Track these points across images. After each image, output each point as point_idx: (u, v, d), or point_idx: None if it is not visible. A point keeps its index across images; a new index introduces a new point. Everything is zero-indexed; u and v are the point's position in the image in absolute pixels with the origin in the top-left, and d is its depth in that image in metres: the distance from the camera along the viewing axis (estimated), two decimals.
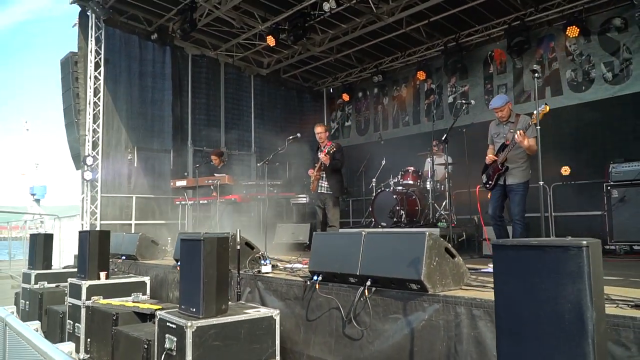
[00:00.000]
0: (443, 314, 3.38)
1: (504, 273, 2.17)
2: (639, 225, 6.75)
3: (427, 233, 3.54)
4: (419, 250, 3.52)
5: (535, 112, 5.02)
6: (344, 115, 13.86)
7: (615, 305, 2.88)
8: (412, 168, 8.47)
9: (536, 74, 4.52)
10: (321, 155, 7.04)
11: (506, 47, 9.81)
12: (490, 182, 5.89)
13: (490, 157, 5.91)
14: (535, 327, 2.03)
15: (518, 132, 5.40)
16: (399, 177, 8.50)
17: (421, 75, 11.29)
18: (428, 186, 8.21)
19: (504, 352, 2.14)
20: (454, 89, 11.16)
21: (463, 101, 6.77)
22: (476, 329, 3.16)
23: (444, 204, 8.20)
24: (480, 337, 3.13)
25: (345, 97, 13.26)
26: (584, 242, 1.95)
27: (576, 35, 8.93)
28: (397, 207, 7.97)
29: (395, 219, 7.98)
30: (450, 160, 8.66)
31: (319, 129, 7.42)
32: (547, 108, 5.09)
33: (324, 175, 7.19)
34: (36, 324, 4.24)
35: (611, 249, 7.05)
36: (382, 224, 8.15)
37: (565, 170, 8.84)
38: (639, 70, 8.38)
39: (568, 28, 8.93)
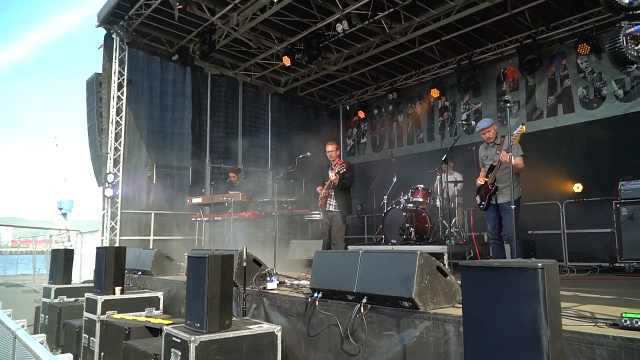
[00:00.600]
0: (433, 331, 3.52)
1: (471, 292, 2.33)
2: None
3: (419, 252, 3.69)
4: (410, 269, 3.67)
5: (515, 132, 5.26)
6: (360, 132, 14.06)
7: (593, 324, 2.99)
8: (421, 185, 8.57)
9: (508, 104, 4.75)
10: (331, 174, 7.22)
11: (518, 64, 9.90)
12: (483, 203, 6.16)
13: (481, 179, 6.17)
14: (497, 343, 2.18)
15: (502, 152, 5.63)
16: (410, 194, 8.61)
17: (435, 92, 11.44)
18: (438, 203, 8.30)
19: None
20: (467, 106, 11.27)
21: (463, 122, 6.94)
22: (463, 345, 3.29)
23: (453, 221, 8.29)
24: None
25: (361, 114, 13.48)
26: (539, 264, 2.09)
27: (587, 52, 9.01)
28: (407, 224, 8.06)
29: (405, 236, 8.07)
30: (460, 178, 8.81)
31: (329, 147, 7.59)
32: (524, 128, 5.37)
33: (333, 193, 7.32)
34: (42, 336, 4.48)
35: (621, 266, 7.06)
36: (392, 240, 8.25)
37: (578, 188, 8.87)
38: None
39: (579, 46, 9.02)
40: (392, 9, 8.89)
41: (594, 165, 8.82)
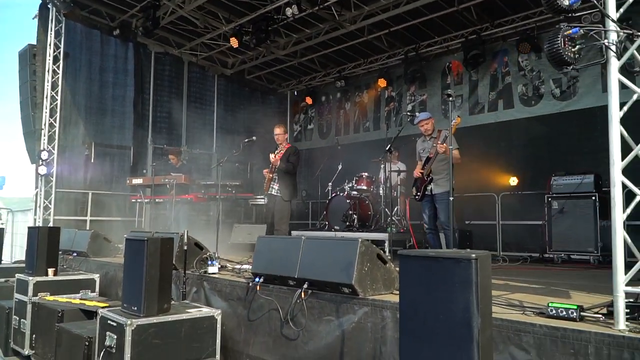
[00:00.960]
0: (371, 317, 3.61)
1: (407, 280, 2.40)
2: (576, 236, 7.17)
3: (360, 240, 3.76)
4: (351, 256, 3.73)
5: (451, 123, 5.45)
6: (307, 118, 14.07)
7: (522, 312, 3.16)
8: (366, 174, 8.73)
9: (450, 98, 4.94)
10: (271, 156, 7.16)
11: (463, 59, 10.19)
12: (418, 194, 6.40)
13: (417, 171, 6.42)
14: (430, 330, 2.26)
15: (439, 144, 5.83)
16: (354, 182, 8.73)
17: (382, 82, 11.59)
18: (381, 192, 8.47)
19: (405, 351, 2.37)
20: (413, 98, 11.49)
21: (408, 113, 7.13)
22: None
23: (395, 209, 8.48)
24: None
25: (309, 100, 13.49)
26: (473, 255, 2.18)
27: (528, 51, 9.38)
28: (350, 212, 8.20)
29: (348, 223, 8.21)
30: (403, 168, 9.00)
31: (277, 130, 7.49)
32: (459, 120, 5.60)
33: (276, 177, 7.25)
34: None
35: (550, 257, 7.46)
36: (336, 227, 8.36)
37: (513, 181, 9.27)
38: (584, 88, 8.84)
39: (520, 44, 9.38)
40: None
41: (530, 160, 9.24)
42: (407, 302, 2.41)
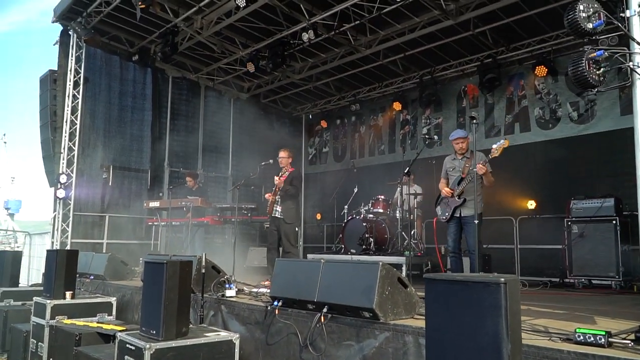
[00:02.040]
0: (392, 342, 3.55)
1: (434, 305, 2.36)
2: (597, 260, 7.04)
3: (381, 263, 3.73)
4: (372, 280, 3.69)
5: (494, 145, 5.34)
6: (322, 141, 14.13)
7: (548, 338, 3.08)
8: (382, 197, 8.70)
9: (474, 121, 4.84)
10: (276, 178, 7.20)
11: (478, 82, 10.20)
12: (447, 214, 6.20)
13: (447, 190, 6.21)
14: (458, 356, 2.22)
15: (478, 165, 5.69)
16: (370, 205, 8.71)
17: (397, 105, 11.64)
18: (397, 215, 8.42)
19: None
20: (428, 121, 11.50)
21: (426, 135, 7.08)
22: (421, 357, 3.33)
23: (412, 232, 8.42)
24: None
25: (324, 123, 13.58)
26: (502, 279, 2.14)
27: (544, 74, 9.36)
28: (367, 235, 8.16)
29: (364, 246, 8.16)
30: (420, 191, 8.96)
31: (281, 154, 7.54)
32: (507, 142, 5.42)
33: (279, 199, 7.28)
34: None
35: (570, 282, 7.32)
36: (352, 250, 8.32)
37: (531, 204, 9.17)
38: (602, 111, 8.78)
39: (537, 67, 9.36)
40: (358, 21, 9.00)
41: (548, 184, 9.14)
42: (433, 327, 2.37)
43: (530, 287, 7.17)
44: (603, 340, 2.80)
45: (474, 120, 4.91)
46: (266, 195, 7.42)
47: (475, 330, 2.18)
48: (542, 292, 6.74)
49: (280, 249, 7.40)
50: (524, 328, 3.34)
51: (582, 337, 2.86)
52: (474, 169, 5.73)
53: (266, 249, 8.04)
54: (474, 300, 2.20)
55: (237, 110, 13.04)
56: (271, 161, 7.44)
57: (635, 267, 6.71)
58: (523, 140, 9.79)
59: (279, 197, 7.24)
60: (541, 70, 9.29)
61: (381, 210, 8.57)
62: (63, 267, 5.90)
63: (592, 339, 2.82)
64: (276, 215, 7.28)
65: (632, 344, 2.83)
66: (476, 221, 4.71)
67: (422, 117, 11.66)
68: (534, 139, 9.65)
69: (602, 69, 2.94)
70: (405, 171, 6.91)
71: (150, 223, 9.85)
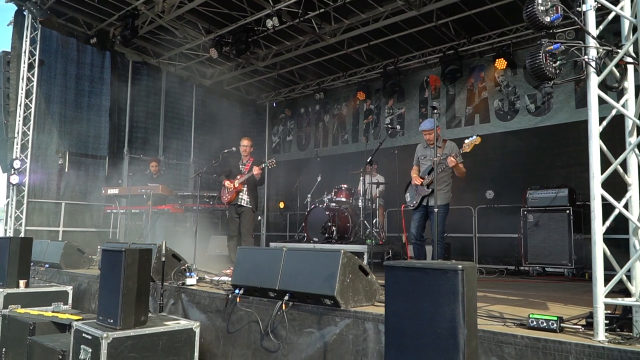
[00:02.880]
0: (353, 329, 3.59)
1: (393, 292, 2.39)
2: (551, 249, 7.30)
3: (342, 251, 3.75)
4: (333, 268, 3.72)
5: (466, 141, 5.41)
6: (286, 130, 14.06)
7: (503, 324, 3.17)
8: (345, 186, 8.74)
9: (435, 111, 4.89)
10: (255, 169, 7.14)
11: (440, 73, 10.34)
12: (414, 202, 6.21)
13: (416, 178, 6.22)
14: (416, 341, 2.26)
15: (449, 158, 5.74)
16: (333, 193, 8.73)
17: (361, 95, 11.71)
18: (360, 204, 8.47)
19: None
20: (391, 111, 11.59)
21: (389, 125, 7.14)
22: (380, 343, 3.38)
23: (374, 221, 8.50)
24: (384, 351, 3.35)
25: (288, 112, 13.54)
26: (460, 266, 2.19)
27: (504, 67, 9.53)
28: (329, 224, 8.18)
29: (327, 235, 8.19)
30: (382, 180, 9.04)
31: (244, 142, 7.52)
32: (479, 139, 5.48)
33: (245, 188, 7.28)
34: None
35: (525, 270, 7.57)
36: (314, 239, 8.33)
37: (489, 194, 9.40)
38: (558, 104, 9.04)
39: (497, 60, 9.53)
40: (323, 10, 8.95)
41: (505, 174, 9.37)
42: (393, 314, 2.40)
43: (487, 274, 7.38)
44: (555, 325, 2.90)
45: (435, 110, 4.95)
46: (225, 183, 7.31)
47: (433, 316, 2.22)
48: (498, 280, 6.94)
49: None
50: (480, 314, 3.43)
51: (535, 323, 2.96)
52: (444, 158, 5.80)
53: (227, 237, 8.03)
54: (432, 286, 2.24)
55: (199, 96, 12.85)
56: (234, 149, 7.37)
57: (587, 255, 6.96)
58: (482, 131, 9.93)
59: (245, 186, 7.24)
60: (501, 63, 9.47)
61: (344, 199, 8.61)
62: (16, 255, 5.72)
63: (544, 324, 2.92)
64: (241, 204, 7.26)
65: (583, 329, 2.95)
66: (436, 209, 4.75)
67: (385, 107, 11.74)
68: (493, 130, 9.86)
69: (558, 62, 3.01)
70: (368, 160, 6.94)
71: (108, 210, 9.59)
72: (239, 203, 7.28)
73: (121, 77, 11.18)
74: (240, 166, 7.43)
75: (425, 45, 10.47)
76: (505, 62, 9.42)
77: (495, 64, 9.54)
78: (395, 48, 10.66)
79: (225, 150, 7.36)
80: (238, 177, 7.28)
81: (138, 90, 11.50)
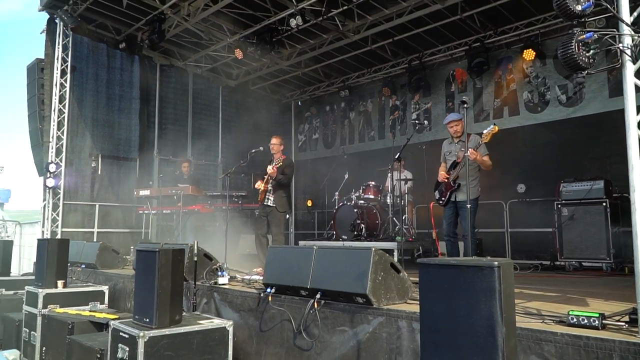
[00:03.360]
0: (386, 327, 3.55)
1: (428, 289, 2.35)
2: (587, 243, 7.05)
3: (373, 249, 3.72)
4: (365, 265, 3.68)
5: (484, 131, 5.28)
6: (312, 128, 14.06)
7: (541, 321, 3.09)
8: (373, 183, 8.69)
9: (465, 105, 4.78)
10: (269, 168, 7.11)
11: (467, 66, 10.18)
12: (443, 199, 6.15)
13: (442, 174, 6.16)
14: (452, 340, 2.21)
15: (469, 150, 5.62)
16: (361, 191, 8.70)
17: (386, 91, 11.64)
18: (388, 201, 8.42)
19: None
20: (417, 106, 11.48)
21: (416, 121, 7.04)
22: (415, 341, 3.33)
23: (403, 218, 8.43)
24: (418, 349, 3.29)
25: (313, 110, 13.56)
26: (496, 262, 2.13)
27: (532, 58, 9.33)
28: (358, 221, 8.16)
29: (355, 232, 8.17)
30: (410, 176, 8.96)
31: (273, 140, 7.45)
32: (496, 128, 5.36)
33: (271, 188, 7.21)
34: (13, 353, 4.28)
35: (561, 265, 7.37)
36: (343, 237, 8.32)
37: (521, 188, 9.21)
38: (591, 93, 8.79)
39: (525, 51, 9.34)
40: (346, 7, 8.90)
41: (537, 167, 9.15)
42: (428, 312, 2.36)
43: (521, 270, 7.21)
44: (597, 322, 2.81)
45: (465, 105, 4.85)
46: (256, 185, 7.33)
47: (469, 314, 2.18)
48: (533, 275, 6.77)
49: (269, 236, 7.35)
50: (517, 311, 3.35)
51: (575, 320, 2.87)
52: (467, 154, 5.70)
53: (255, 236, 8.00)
54: (468, 284, 2.19)
55: (225, 97, 12.95)
56: (261, 148, 7.35)
57: (626, 248, 6.74)
58: (512, 124, 9.80)
59: (271, 186, 7.18)
60: (529, 54, 9.27)
61: (372, 196, 8.57)
62: (54, 256, 5.85)
63: (585, 321, 2.83)
64: (268, 204, 7.22)
65: (627, 325, 2.84)
66: (468, 205, 4.67)
67: (411, 102, 11.63)
68: (522, 123, 9.66)
69: (591, 51, 2.91)
70: (396, 157, 6.88)
71: (140, 211, 9.78)
72: (265, 203, 7.27)
73: (149, 80, 11.35)
74: (268, 165, 7.36)
75: (450, 39, 10.32)
76: (534, 53, 9.23)
77: (523, 55, 9.35)
78: (420, 42, 10.54)
79: (253, 150, 7.37)
80: (265, 177, 7.27)
81: (166, 93, 11.68)
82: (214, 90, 12.73)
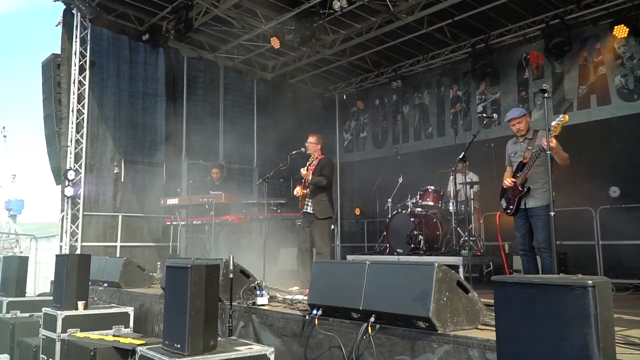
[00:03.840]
0: (454, 357, 3.48)
1: (505, 313, 2.29)
2: None
3: (436, 264, 3.66)
4: (427, 284, 3.63)
5: (553, 123, 5.17)
6: (359, 125, 14.06)
7: None
8: (432, 187, 8.60)
9: (545, 94, 4.64)
10: (302, 170, 7.13)
11: (543, 48, 9.92)
12: (511, 207, 6.00)
13: (508, 180, 6.04)
14: None
15: (543, 139, 5.42)
16: (418, 197, 8.63)
17: (446, 81, 11.52)
18: (451, 208, 8.30)
19: None
20: (483, 97, 11.30)
21: (483, 115, 6.91)
22: None
23: (469, 228, 8.29)
24: None
25: (360, 104, 13.52)
26: (590, 281, 2.05)
27: (625, 35, 9.02)
28: (415, 232, 8.10)
29: (412, 245, 8.10)
30: (476, 179, 8.80)
31: (310, 139, 7.44)
32: (566, 118, 5.21)
33: (309, 192, 7.19)
34: (4, 357, 4.41)
35: None
36: (398, 250, 8.27)
37: (614, 192, 8.87)
38: None
39: (615, 27, 9.04)
40: None
41: (635, 167, 8.74)
42: (506, 340, 2.30)
43: (617, 291, 6.91)
44: None
45: (545, 94, 4.70)
46: (295, 192, 7.37)
47: (558, 343, 2.10)
48: (633, 297, 6.51)
49: (313, 249, 7.36)
50: (617, 341, 3.20)
51: None
52: (536, 150, 5.58)
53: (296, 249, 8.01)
54: (555, 307, 2.12)
55: (261, 92, 13.10)
56: (302, 149, 7.39)
57: None
58: (602, 115, 9.50)
59: (309, 190, 7.20)
60: (621, 31, 8.95)
61: (431, 203, 8.48)
62: (74, 273, 5.99)
63: None
64: (307, 211, 7.26)
65: None
66: (552, 213, 4.53)
67: (476, 92, 11.47)
68: (615, 113, 9.35)
69: None
70: (460, 157, 6.75)
71: (168, 223, 9.97)
72: (305, 210, 7.30)
73: (176, 76, 11.59)
74: (303, 168, 7.33)
75: (522, 16, 10.11)
76: (627, 29, 8.91)
77: (614, 33, 9.05)
78: (486, 22, 10.37)
79: (294, 152, 7.41)
80: (304, 181, 7.30)
81: (194, 89, 11.89)
82: (248, 85, 12.89)
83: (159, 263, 9.22)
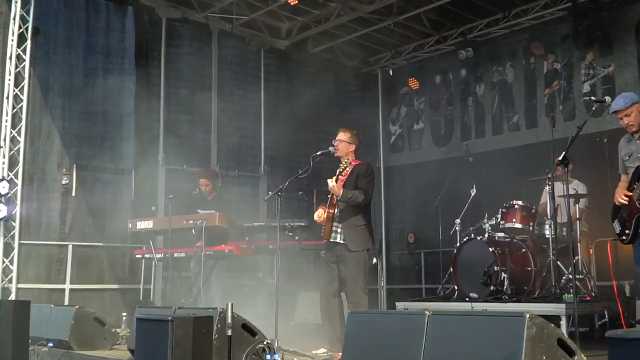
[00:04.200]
0: None
1: None
2: None
3: (528, 315, 3.62)
4: (514, 344, 3.60)
5: None
6: (412, 112, 14.05)
7: None
8: (520, 202, 8.53)
9: None
10: (329, 181, 6.91)
11: None
12: (627, 232, 5.99)
13: (621, 194, 6.04)
14: None
15: None
16: (500, 216, 8.57)
17: (537, 49, 11.42)
18: (547, 233, 8.23)
19: None
20: (591, 72, 11.26)
21: (591, 98, 6.83)
22: None
23: (575, 261, 8.19)
24: None
25: (414, 83, 13.49)
26: None
27: None
28: (496, 268, 8.05)
29: (492, 287, 8.05)
30: (583, 190, 8.70)
31: (340, 136, 7.31)
32: None
33: (338, 215, 7.00)
34: None
35: None
36: (471, 294, 8.23)
37: None
38: None
39: None
40: None
41: None
42: None
43: None
44: None
45: None
46: (315, 216, 7.24)
47: None
48: None
49: (342, 294, 7.24)
50: None
51: None
52: None
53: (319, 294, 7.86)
54: None
55: (270, 67, 13.19)
56: (330, 149, 7.32)
57: None
58: None
59: (338, 212, 7.05)
60: None
61: (519, 226, 8.44)
62: (9, 329, 6.04)
63: None
64: (336, 240, 7.10)
65: None
66: None
67: (580, 65, 11.44)
68: None
69: None
70: (560, 158, 6.67)
71: (138, 255, 9.99)
72: (331, 239, 7.12)
73: (150, 45, 11.65)
74: (331, 179, 7.14)
75: None
76: None
77: None
78: None
79: (318, 153, 7.36)
80: (329, 197, 7.10)
81: (176, 64, 11.95)
82: (252, 57, 13.00)
83: (124, 314, 9.26)
